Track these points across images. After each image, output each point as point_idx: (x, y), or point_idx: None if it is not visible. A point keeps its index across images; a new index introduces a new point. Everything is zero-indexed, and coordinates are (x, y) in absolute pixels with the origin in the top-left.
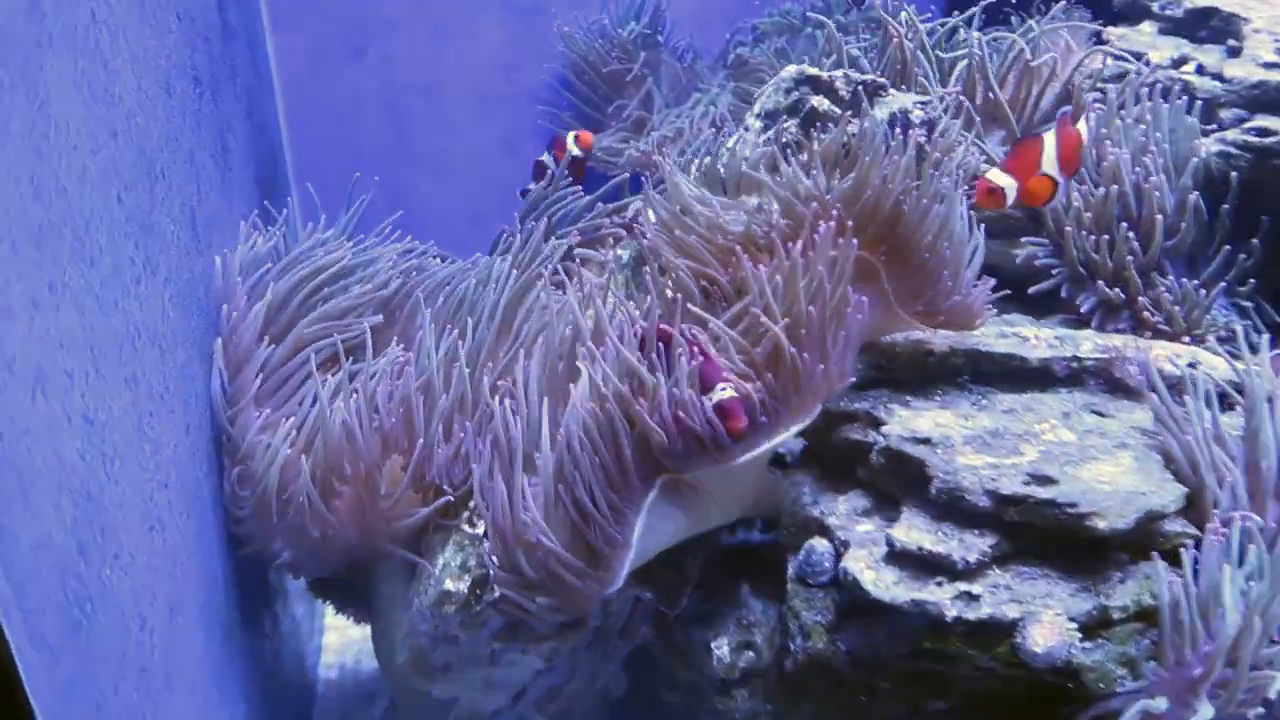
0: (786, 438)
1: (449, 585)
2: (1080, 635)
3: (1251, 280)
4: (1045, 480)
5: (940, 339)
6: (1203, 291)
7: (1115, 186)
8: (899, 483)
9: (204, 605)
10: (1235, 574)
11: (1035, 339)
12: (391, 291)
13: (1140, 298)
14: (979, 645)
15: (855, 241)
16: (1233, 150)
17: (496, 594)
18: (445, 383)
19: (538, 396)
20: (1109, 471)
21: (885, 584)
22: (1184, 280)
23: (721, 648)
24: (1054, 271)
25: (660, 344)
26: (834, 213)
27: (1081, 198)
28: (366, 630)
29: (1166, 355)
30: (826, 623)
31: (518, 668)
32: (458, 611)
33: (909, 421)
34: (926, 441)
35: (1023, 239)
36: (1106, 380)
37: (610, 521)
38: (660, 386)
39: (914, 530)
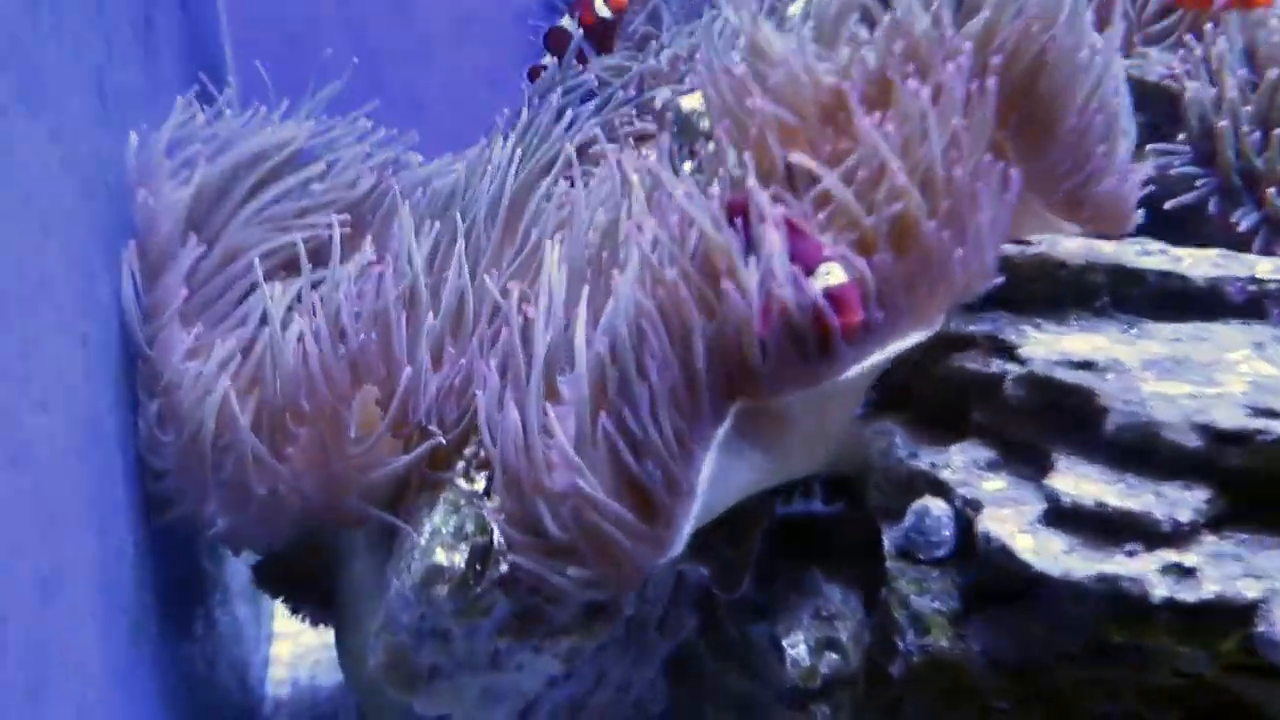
0: (905, 347)
1: (440, 558)
2: None
3: None
4: (1273, 414)
5: (1073, 250)
6: None
7: None
8: (1046, 423)
9: (102, 588)
10: None
11: (1190, 258)
12: (362, 193)
13: None
14: (1195, 638)
15: (995, 83)
16: None
17: (505, 567)
18: (434, 295)
19: (563, 296)
20: None
21: (1052, 553)
22: None
23: (797, 646)
24: (1199, 182)
25: (735, 220)
26: (965, 50)
27: (1237, 86)
28: (327, 636)
29: None
30: (949, 611)
31: (528, 673)
32: (452, 594)
33: (1055, 344)
34: (1089, 366)
35: (1147, 147)
36: None
37: (675, 456)
38: (747, 266)
39: (1085, 482)
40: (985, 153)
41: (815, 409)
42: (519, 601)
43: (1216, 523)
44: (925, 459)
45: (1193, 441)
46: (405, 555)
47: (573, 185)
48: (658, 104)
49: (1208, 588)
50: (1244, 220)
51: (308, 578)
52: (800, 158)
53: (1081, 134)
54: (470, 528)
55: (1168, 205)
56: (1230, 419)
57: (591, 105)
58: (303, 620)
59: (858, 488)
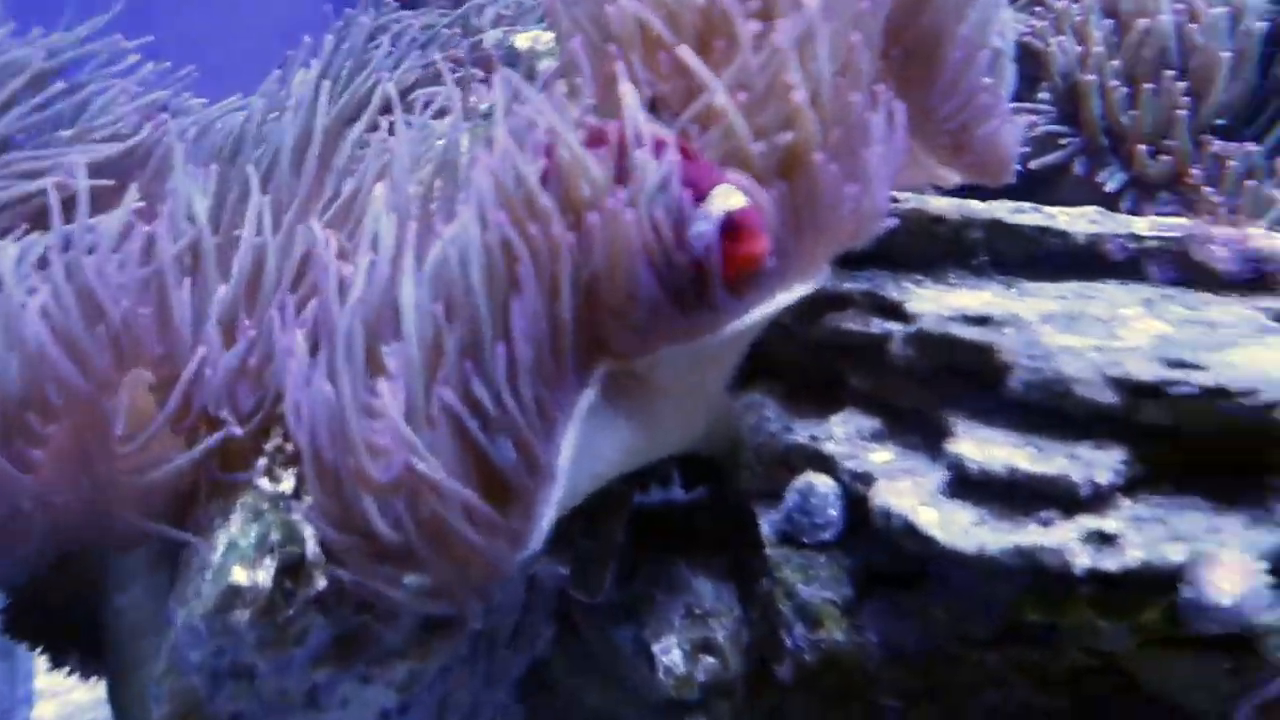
0: (792, 299)
1: (238, 577)
2: (1272, 580)
3: None
4: (1188, 365)
5: (945, 206)
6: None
7: (1151, 20)
8: (939, 386)
9: None
10: None
11: (1065, 216)
12: (127, 137)
13: (1193, 169)
14: (1117, 611)
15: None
16: None
17: (323, 582)
18: (223, 257)
19: (391, 248)
20: (1270, 358)
21: (961, 527)
22: (1251, 147)
23: (670, 652)
24: (1064, 141)
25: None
26: None
27: (1103, 41)
28: (99, 691)
29: (1262, 235)
30: (842, 600)
31: (355, 709)
32: (255, 621)
33: (943, 299)
34: (986, 321)
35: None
36: (1180, 266)
37: (536, 430)
38: (616, 189)
39: (992, 446)
40: (875, 80)
41: (690, 373)
42: (340, 623)
43: (1133, 485)
44: (803, 432)
45: (1107, 397)
46: (194, 578)
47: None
48: (487, 44)
49: (1132, 554)
50: (1111, 180)
51: (72, 619)
52: (688, 54)
53: (967, 70)
54: (276, 537)
55: (1033, 165)
56: (1146, 371)
57: (411, 42)
58: (69, 674)
59: (721, 470)
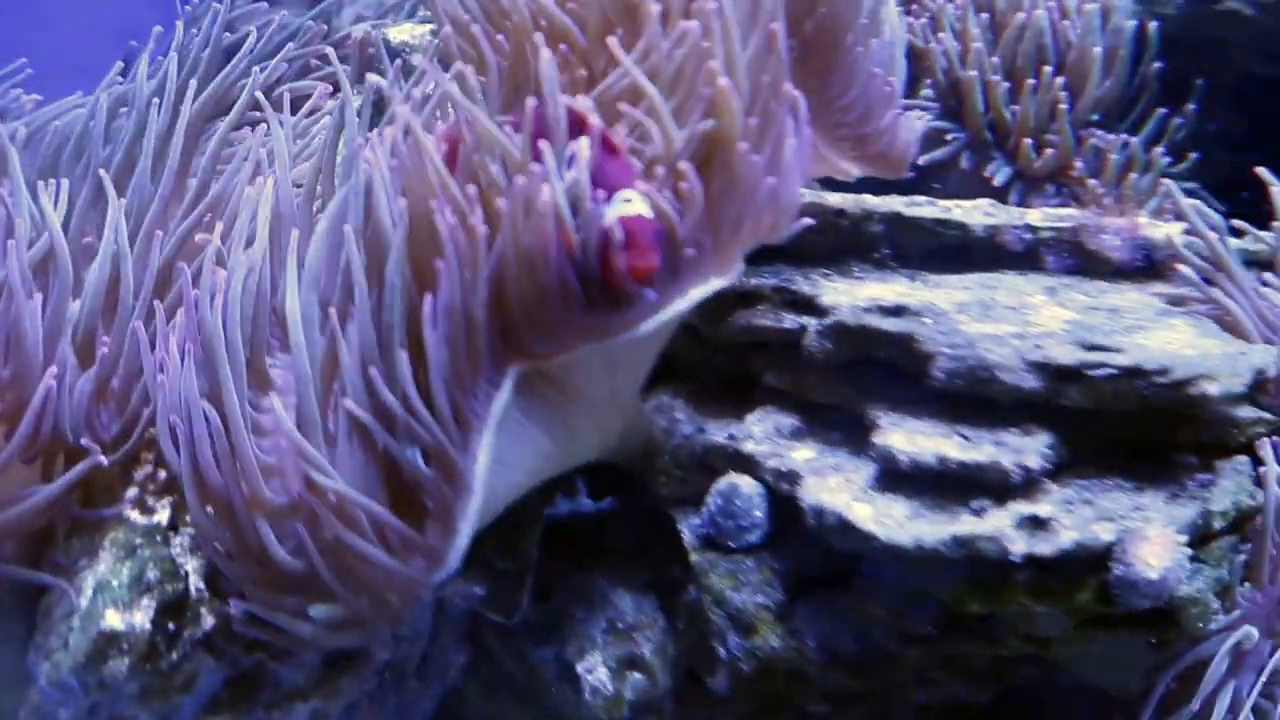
0: (707, 293)
1: (113, 621)
2: (1190, 554)
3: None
4: (1103, 349)
5: (842, 200)
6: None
7: (1029, 14)
8: (858, 378)
9: None
10: None
11: (959, 209)
12: None
13: (1077, 162)
14: (1053, 595)
15: None
16: None
17: (210, 621)
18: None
19: (271, 246)
20: (1175, 339)
21: (896, 521)
22: (1129, 138)
23: (595, 670)
24: (949, 137)
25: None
26: None
27: (980, 38)
28: None
29: (1147, 224)
30: (775, 605)
31: None
32: (135, 668)
33: (857, 291)
34: (902, 311)
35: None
36: (1075, 254)
37: (453, 438)
38: (536, 175)
39: (920, 437)
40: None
41: (605, 373)
42: (233, 664)
43: (1059, 469)
44: (719, 432)
45: (1030, 382)
46: (57, 626)
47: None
48: (355, 37)
49: (1066, 536)
50: (998, 174)
51: None
52: (614, 45)
53: (864, 60)
54: (154, 575)
55: (921, 160)
56: (1066, 355)
57: (274, 38)
58: None
59: (629, 478)
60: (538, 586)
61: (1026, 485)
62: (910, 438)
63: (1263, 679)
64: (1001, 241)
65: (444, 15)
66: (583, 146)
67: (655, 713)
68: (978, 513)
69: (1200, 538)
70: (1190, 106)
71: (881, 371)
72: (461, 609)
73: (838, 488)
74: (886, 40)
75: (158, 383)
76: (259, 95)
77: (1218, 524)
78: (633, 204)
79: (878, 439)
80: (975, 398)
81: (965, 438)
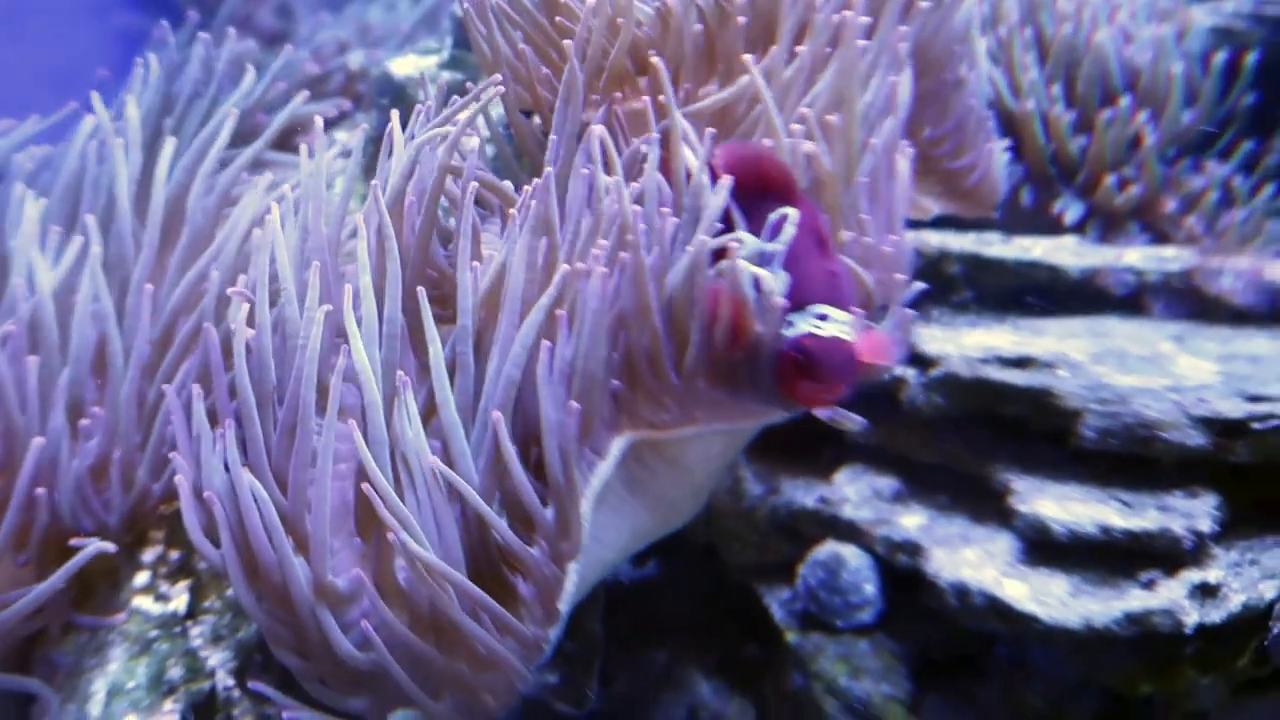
0: None
1: None
2: None
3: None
4: (1267, 399)
5: (921, 239)
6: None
7: (1081, 34)
8: (972, 437)
9: None
10: None
11: (1039, 248)
12: None
13: (1167, 199)
14: (1218, 664)
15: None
16: (1237, 24)
17: None
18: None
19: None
20: None
21: (1058, 598)
22: (1226, 172)
23: None
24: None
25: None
26: None
27: (1041, 74)
28: None
29: (1273, 265)
30: (904, 694)
31: None
32: None
33: (960, 339)
34: (1027, 363)
35: None
36: (1189, 299)
37: (562, 508)
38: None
39: (1073, 504)
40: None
41: (709, 450)
42: None
43: (1223, 530)
44: (805, 495)
45: (1195, 439)
46: None
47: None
48: (352, 68)
49: (1235, 600)
50: (1069, 211)
51: None
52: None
53: (963, 91)
54: (176, 672)
55: None
56: (1233, 408)
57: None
58: None
59: (673, 547)
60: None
61: (1196, 552)
62: (1063, 505)
63: None
64: (1103, 285)
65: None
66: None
67: None
68: (1147, 585)
69: None
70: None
71: (1004, 430)
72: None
73: (978, 562)
74: (982, 70)
75: (186, 450)
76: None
77: None
78: (830, 324)
79: (1022, 506)
80: (1130, 458)
81: (1125, 503)
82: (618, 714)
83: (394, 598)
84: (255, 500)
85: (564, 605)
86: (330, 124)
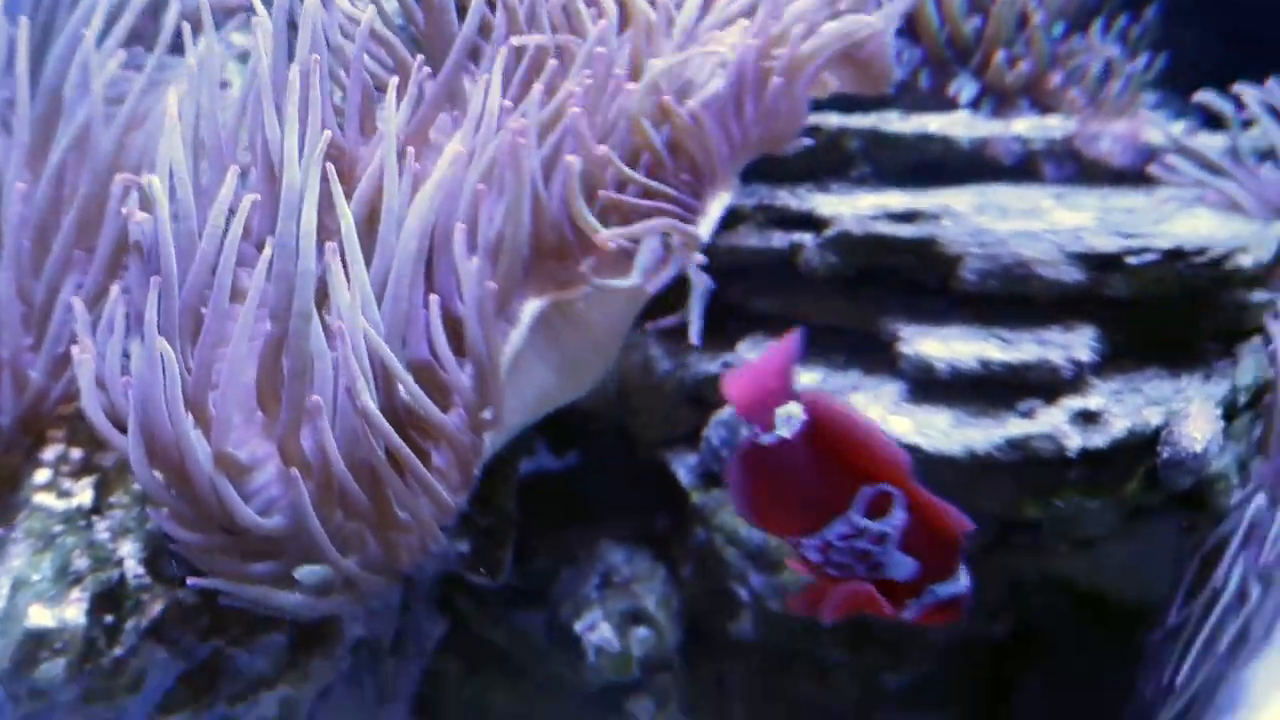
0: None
1: (39, 620)
2: (1224, 426)
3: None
4: (1142, 236)
5: (822, 117)
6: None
7: None
8: (864, 295)
9: None
10: None
11: (936, 123)
12: None
13: (1054, 74)
14: (1105, 488)
15: None
16: None
17: (158, 607)
18: None
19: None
20: (1198, 225)
21: (940, 430)
22: (1107, 45)
23: (597, 628)
24: (903, 55)
25: None
26: None
27: None
28: None
29: (1146, 128)
30: None
31: None
32: (73, 670)
33: (856, 202)
34: (915, 216)
35: None
36: (1073, 163)
37: (481, 374)
38: None
39: (955, 343)
40: None
41: (619, 311)
42: (186, 655)
43: (1102, 363)
44: (709, 363)
45: (1072, 275)
46: None
47: None
48: None
49: (1119, 425)
50: (963, 91)
51: None
52: None
53: None
54: (82, 563)
55: None
56: (1108, 244)
57: None
58: None
59: (592, 431)
60: (515, 548)
61: (1076, 381)
62: (946, 345)
63: (1271, 545)
64: (992, 154)
65: None
66: None
67: (666, 669)
68: (1027, 414)
69: (1228, 414)
70: (1150, 11)
71: (893, 283)
72: (429, 578)
73: (866, 404)
74: None
75: (83, 344)
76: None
77: (1241, 399)
78: None
79: (906, 349)
80: (1010, 298)
81: (1005, 340)
82: (528, 588)
83: (301, 468)
84: (160, 377)
85: (479, 464)
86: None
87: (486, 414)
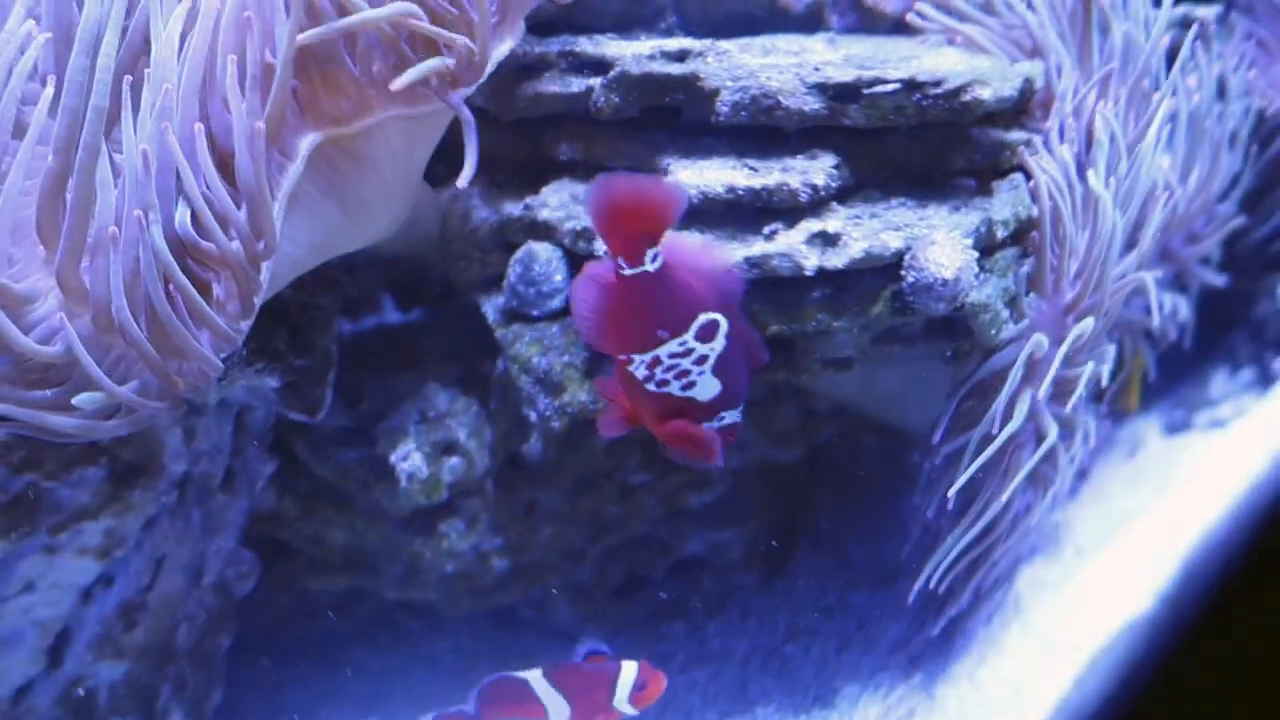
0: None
1: None
2: (977, 256)
3: None
4: (881, 68)
5: None
6: None
7: None
8: (648, 135)
9: None
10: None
11: None
12: None
13: None
14: (849, 310)
15: None
16: None
17: None
18: None
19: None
20: (945, 62)
21: None
22: None
23: (409, 458)
24: None
25: None
26: None
27: None
28: None
29: None
30: (582, 363)
31: (45, 592)
32: None
33: (641, 45)
34: (685, 55)
35: None
36: (854, 10)
37: (254, 206)
38: None
39: (708, 171)
40: None
41: (403, 149)
42: (2, 488)
43: (845, 192)
44: (515, 208)
45: (811, 104)
46: None
47: None
48: None
49: (856, 247)
50: None
51: None
52: None
53: None
54: None
55: None
56: (845, 75)
57: None
58: None
59: (437, 289)
60: (348, 394)
61: (815, 205)
62: (699, 172)
63: (1049, 378)
64: (785, 5)
65: None
66: None
67: (476, 494)
68: (769, 236)
69: (985, 248)
70: None
71: (671, 122)
72: (263, 422)
73: None
74: None
75: None
76: None
77: (1000, 233)
78: None
79: (667, 179)
80: (761, 129)
81: (753, 168)
82: (355, 428)
83: (79, 300)
84: None
85: (259, 300)
86: None
87: (260, 245)
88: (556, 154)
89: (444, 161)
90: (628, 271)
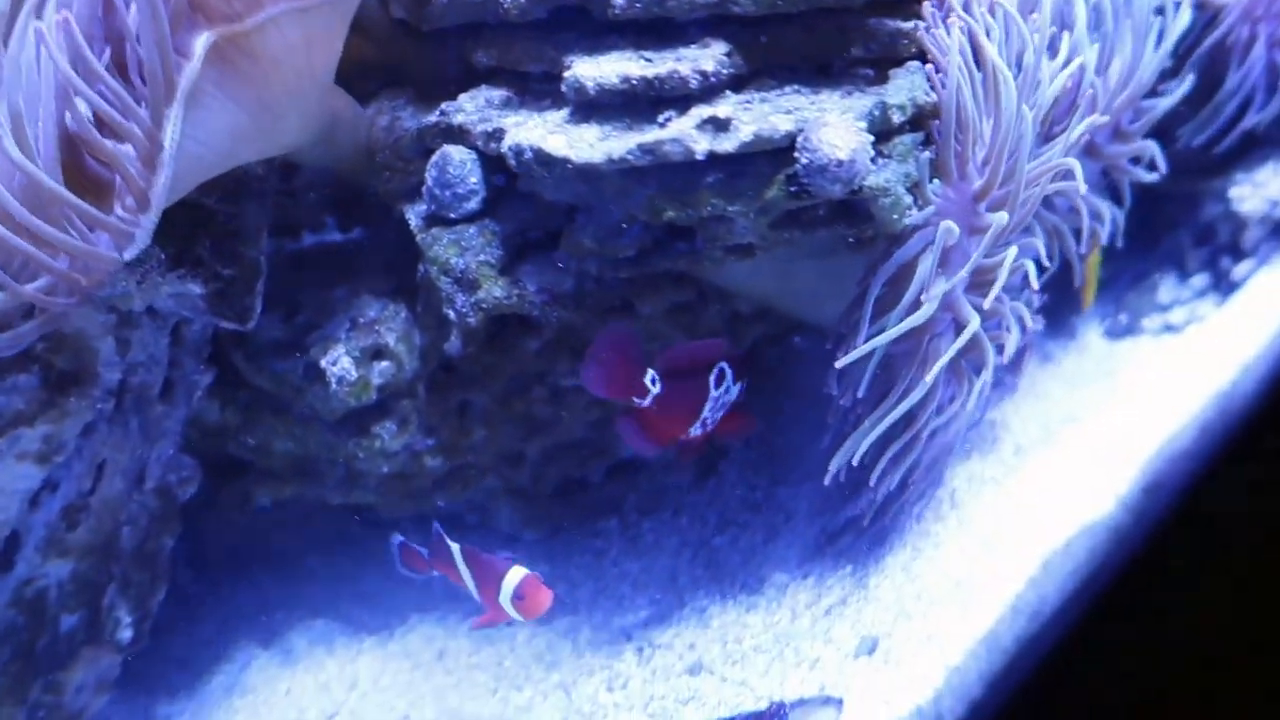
0: None
1: None
2: (872, 140)
3: None
4: None
5: None
6: None
7: None
8: (557, 37)
9: None
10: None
11: None
12: None
13: None
14: (743, 195)
15: None
16: None
17: None
18: None
19: None
20: None
21: (588, 142)
22: None
23: (339, 362)
24: None
25: None
26: None
27: None
28: None
29: None
30: (497, 261)
31: None
32: None
33: None
34: None
35: None
36: None
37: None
38: None
39: (605, 64)
40: None
41: (299, 45)
42: None
43: (739, 81)
44: (433, 115)
45: None
46: None
47: None
48: None
49: (747, 131)
50: None
51: None
52: None
53: None
54: None
55: None
56: None
57: None
58: None
59: (374, 209)
60: (285, 309)
61: (706, 92)
62: (597, 65)
63: (967, 267)
64: None
65: None
66: None
67: (407, 396)
68: (663, 124)
69: (881, 133)
70: None
71: (579, 23)
72: (200, 335)
73: (534, 128)
74: None
75: None
76: None
77: (897, 117)
78: None
79: (566, 74)
80: (656, 21)
81: (648, 59)
82: (291, 340)
83: None
84: None
85: (157, 195)
86: None
87: (157, 142)
88: (475, 61)
89: (370, 79)
90: (644, 404)
